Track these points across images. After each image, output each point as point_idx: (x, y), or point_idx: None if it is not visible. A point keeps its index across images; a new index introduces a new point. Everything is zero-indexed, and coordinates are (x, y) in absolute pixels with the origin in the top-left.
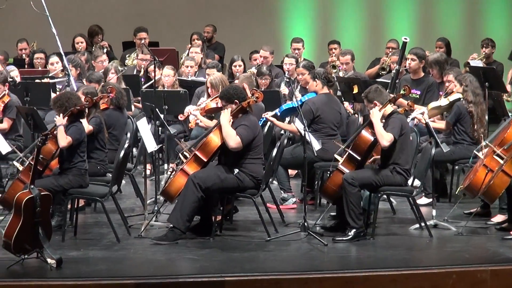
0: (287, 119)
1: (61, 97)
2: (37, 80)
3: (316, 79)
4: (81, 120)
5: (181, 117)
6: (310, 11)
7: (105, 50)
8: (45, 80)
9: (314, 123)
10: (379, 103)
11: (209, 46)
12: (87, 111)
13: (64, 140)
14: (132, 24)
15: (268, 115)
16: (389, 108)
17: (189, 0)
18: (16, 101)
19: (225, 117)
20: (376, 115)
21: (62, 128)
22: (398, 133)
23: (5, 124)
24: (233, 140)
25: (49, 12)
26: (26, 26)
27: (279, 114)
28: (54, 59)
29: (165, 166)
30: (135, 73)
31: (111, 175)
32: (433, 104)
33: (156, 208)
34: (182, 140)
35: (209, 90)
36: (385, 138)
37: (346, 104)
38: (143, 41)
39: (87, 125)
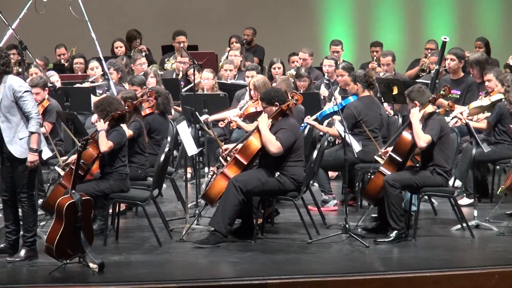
0: (326, 121)
1: (103, 101)
2: (77, 85)
3: (357, 83)
4: (121, 124)
5: (221, 124)
6: (349, 12)
7: (144, 54)
8: (85, 85)
9: (356, 127)
10: (420, 103)
11: (249, 49)
12: (128, 115)
13: (105, 145)
14: (170, 28)
15: (309, 119)
16: (429, 109)
17: (228, 3)
18: (56, 106)
19: (263, 122)
20: (415, 115)
21: (103, 133)
22: (436, 134)
23: (45, 128)
24: (273, 145)
25: (88, 17)
26: (65, 32)
27: (320, 118)
28: (93, 63)
29: (206, 169)
30: (174, 76)
31: (152, 179)
32: (474, 104)
33: (197, 212)
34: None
35: (252, 92)
36: (422, 139)
37: (385, 105)
38: (182, 45)
39: (127, 130)
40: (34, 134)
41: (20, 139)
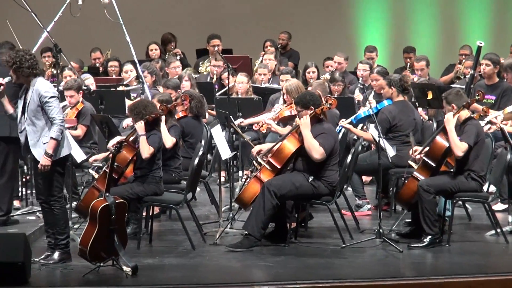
0: (360, 125)
1: (138, 104)
2: (112, 88)
3: (392, 87)
4: (158, 126)
5: (256, 127)
6: (384, 17)
7: (178, 58)
8: (120, 88)
9: (391, 131)
10: (456, 106)
11: (284, 53)
12: (163, 118)
13: (147, 151)
14: (205, 32)
15: (344, 123)
16: (464, 114)
17: (263, 7)
18: (90, 109)
19: (307, 128)
20: (450, 122)
21: (144, 138)
22: (473, 141)
23: (79, 131)
24: (317, 151)
25: (122, 20)
26: (100, 35)
27: (355, 122)
28: (128, 67)
29: (240, 173)
30: (208, 80)
31: (186, 183)
32: (509, 109)
33: (231, 215)
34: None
35: (285, 96)
36: (460, 148)
37: (420, 110)
38: (216, 48)
39: (168, 135)
40: (53, 140)
41: (44, 143)
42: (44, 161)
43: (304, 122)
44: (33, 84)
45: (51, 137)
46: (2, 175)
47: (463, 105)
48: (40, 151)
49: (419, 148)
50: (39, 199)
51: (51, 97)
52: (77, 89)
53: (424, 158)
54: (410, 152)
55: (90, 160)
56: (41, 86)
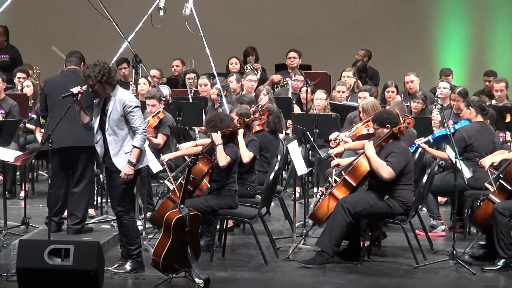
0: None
1: (215, 117)
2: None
3: (470, 107)
4: (235, 140)
5: (332, 144)
6: (463, 38)
7: (258, 73)
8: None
9: (466, 151)
10: None
11: (363, 72)
12: (240, 132)
13: (224, 159)
14: (285, 47)
15: (421, 141)
16: None
17: (343, 24)
18: (171, 119)
19: (371, 149)
20: None
21: (221, 147)
22: None
23: (160, 139)
24: (385, 171)
25: (203, 33)
26: (180, 46)
27: (431, 141)
28: (203, 80)
29: (315, 189)
30: (288, 95)
31: (260, 197)
32: None
33: (304, 231)
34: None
35: (361, 114)
36: None
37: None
38: (291, 60)
39: (246, 150)
40: (137, 149)
41: (126, 153)
42: (127, 170)
43: (367, 145)
44: (114, 94)
45: (135, 146)
46: (79, 182)
47: None
48: (122, 160)
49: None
50: (114, 209)
51: (135, 106)
52: (159, 98)
53: (501, 181)
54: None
55: (161, 158)
56: (125, 96)
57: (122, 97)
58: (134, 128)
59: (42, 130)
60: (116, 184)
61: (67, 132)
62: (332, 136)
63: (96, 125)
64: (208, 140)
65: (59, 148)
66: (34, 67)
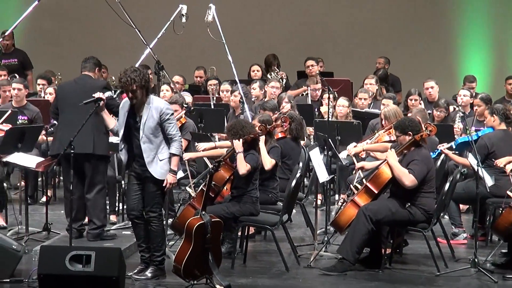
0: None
1: (236, 124)
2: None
3: (494, 115)
4: (256, 147)
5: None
6: (486, 44)
7: (283, 80)
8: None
9: (489, 159)
10: None
11: (385, 79)
12: (262, 139)
13: (244, 167)
14: (307, 54)
15: (443, 147)
16: None
17: (365, 31)
18: (192, 125)
19: (393, 158)
20: None
21: (242, 155)
22: None
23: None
24: (407, 179)
25: (225, 39)
26: (202, 53)
27: (454, 147)
28: (225, 86)
29: (336, 196)
30: (309, 102)
31: (282, 204)
32: None
33: (326, 239)
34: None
35: (383, 122)
36: None
37: None
38: (310, 69)
39: (267, 157)
40: (176, 157)
41: (161, 160)
42: (171, 179)
43: (390, 153)
44: (148, 102)
45: (174, 154)
46: (91, 189)
47: None
48: (157, 168)
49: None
50: (131, 215)
51: (172, 114)
52: (181, 104)
53: None
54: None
55: (183, 156)
56: (161, 104)
57: (158, 104)
58: (171, 136)
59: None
60: (151, 190)
61: (75, 139)
62: (350, 146)
63: (121, 133)
64: (228, 143)
65: (68, 154)
66: (57, 74)
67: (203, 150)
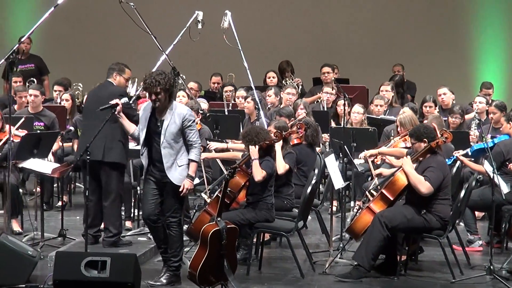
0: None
1: (251, 131)
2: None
3: (510, 122)
4: (272, 153)
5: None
6: (502, 53)
7: (299, 87)
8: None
9: (504, 166)
10: None
11: (401, 85)
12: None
13: (259, 174)
14: (322, 60)
15: (459, 153)
16: None
17: (381, 38)
18: (208, 132)
19: (408, 165)
20: None
21: (257, 162)
22: None
23: None
24: (423, 186)
25: (241, 46)
26: (218, 59)
27: (469, 154)
28: (241, 93)
29: (352, 203)
30: (325, 109)
31: (297, 210)
32: None
33: (341, 245)
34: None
35: (398, 128)
36: None
37: None
38: (325, 76)
39: (282, 161)
40: (194, 163)
41: (179, 166)
42: (188, 184)
43: (405, 160)
44: (171, 108)
45: (193, 160)
46: (107, 197)
47: None
48: (176, 174)
49: None
50: (148, 219)
51: (194, 120)
52: (196, 110)
53: None
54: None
55: (210, 146)
56: (184, 110)
57: (181, 111)
58: (192, 142)
59: None
60: (170, 195)
61: (91, 146)
62: (362, 155)
63: (142, 137)
64: (240, 145)
65: (84, 161)
66: (74, 84)
67: (214, 149)
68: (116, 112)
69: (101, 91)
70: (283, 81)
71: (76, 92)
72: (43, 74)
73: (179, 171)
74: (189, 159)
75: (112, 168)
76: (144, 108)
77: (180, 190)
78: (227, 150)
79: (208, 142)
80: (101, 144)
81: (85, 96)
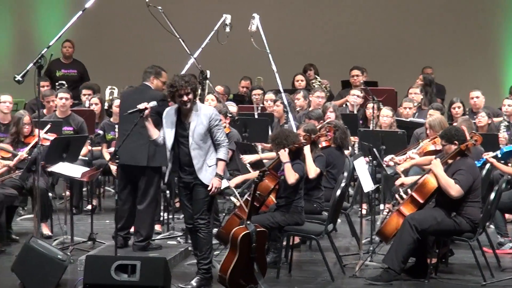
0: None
1: (280, 134)
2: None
3: None
4: (301, 156)
5: (400, 162)
6: None
7: (327, 89)
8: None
9: None
10: None
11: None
12: (307, 147)
13: (293, 177)
14: (350, 63)
15: (488, 155)
16: None
17: (410, 40)
18: (237, 135)
19: (438, 168)
20: None
21: (289, 165)
22: None
23: None
24: (453, 189)
25: (269, 49)
26: (246, 63)
27: (499, 156)
28: (269, 96)
29: (381, 206)
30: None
31: (327, 214)
32: None
33: (371, 248)
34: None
35: (428, 131)
36: None
37: None
38: (355, 79)
39: (313, 165)
40: (222, 162)
41: (209, 166)
42: (217, 183)
43: (434, 163)
44: (196, 109)
45: (221, 159)
46: (142, 200)
47: None
48: (207, 174)
49: None
50: (188, 224)
51: (220, 120)
52: (225, 114)
53: None
54: None
55: (244, 160)
56: (209, 110)
57: (207, 111)
58: (219, 141)
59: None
60: (200, 197)
61: (129, 150)
62: (387, 158)
63: (171, 142)
64: (272, 154)
65: (122, 165)
66: (109, 87)
67: (248, 163)
68: (144, 116)
69: (139, 94)
70: (311, 84)
71: (110, 97)
72: (84, 81)
73: (209, 171)
74: (217, 158)
75: (154, 172)
76: (167, 114)
77: (209, 189)
78: (259, 160)
79: (241, 155)
80: (144, 149)
81: (115, 101)
